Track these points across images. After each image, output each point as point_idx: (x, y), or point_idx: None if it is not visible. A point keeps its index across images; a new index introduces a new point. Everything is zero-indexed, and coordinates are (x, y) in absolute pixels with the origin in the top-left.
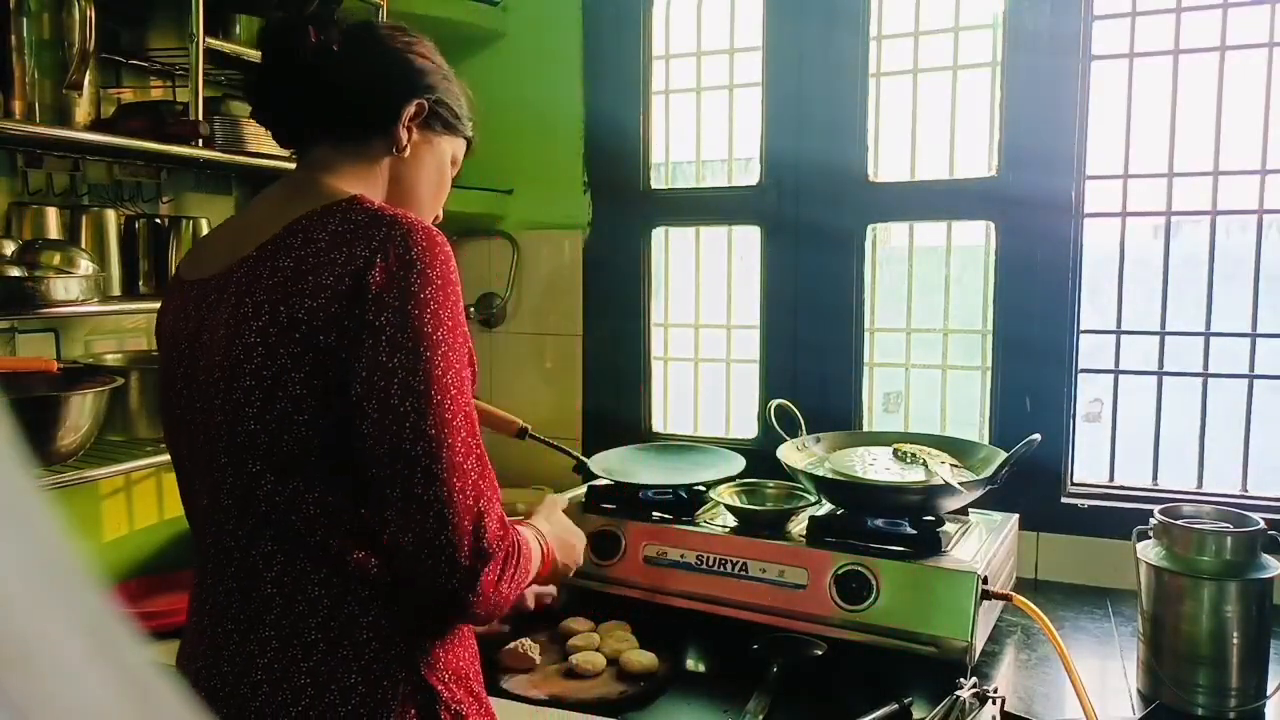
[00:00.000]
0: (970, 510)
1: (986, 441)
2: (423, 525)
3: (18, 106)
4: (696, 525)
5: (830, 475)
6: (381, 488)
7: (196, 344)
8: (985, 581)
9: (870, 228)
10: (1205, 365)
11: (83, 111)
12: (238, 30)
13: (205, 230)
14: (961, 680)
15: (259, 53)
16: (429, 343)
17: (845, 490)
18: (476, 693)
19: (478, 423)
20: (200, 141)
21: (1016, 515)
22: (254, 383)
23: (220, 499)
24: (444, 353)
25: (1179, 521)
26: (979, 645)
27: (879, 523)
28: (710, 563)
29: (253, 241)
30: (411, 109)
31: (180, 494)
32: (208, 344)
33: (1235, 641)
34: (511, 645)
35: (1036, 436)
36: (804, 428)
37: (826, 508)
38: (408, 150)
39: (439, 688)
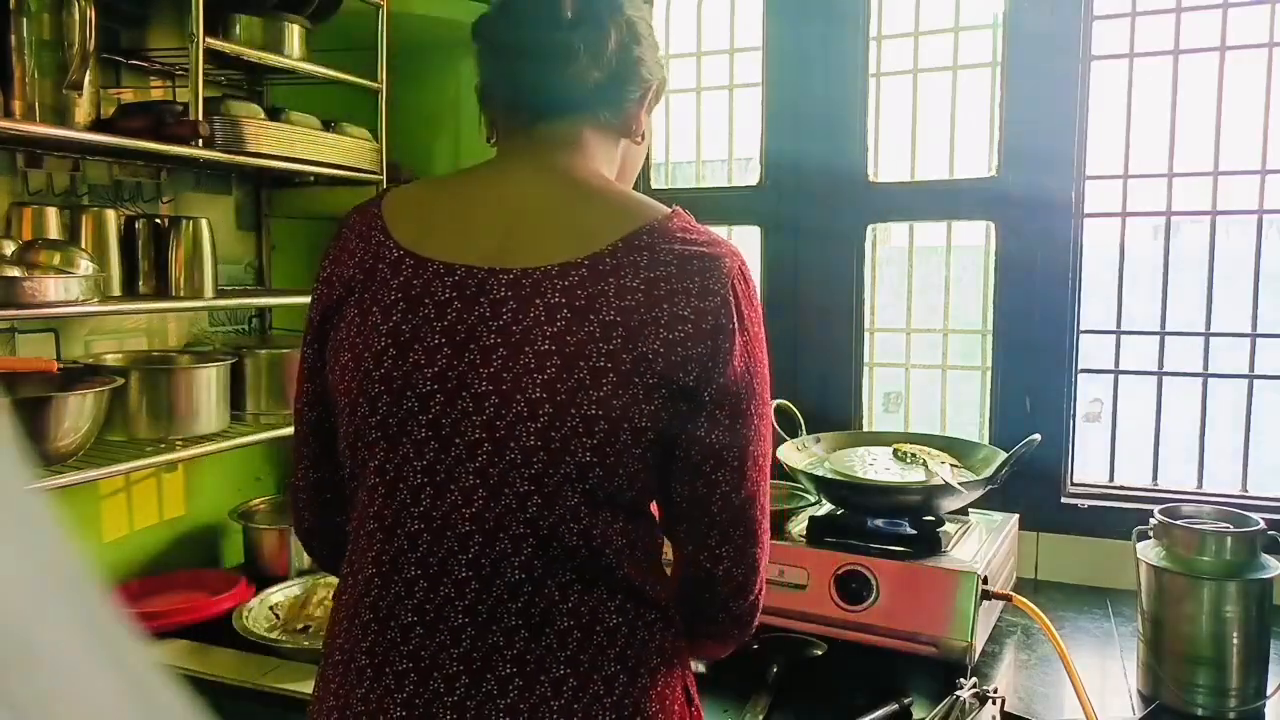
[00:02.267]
0: (970, 510)
1: (986, 441)
2: (752, 561)
3: (18, 106)
4: None
5: (830, 475)
6: (724, 527)
7: (472, 346)
8: (985, 581)
9: (870, 228)
10: (1205, 365)
11: (83, 111)
12: (238, 30)
13: (205, 230)
14: (961, 680)
15: (503, 9)
16: (765, 382)
17: (845, 490)
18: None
19: None
20: (200, 141)
21: (1016, 515)
22: (599, 411)
23: (510, 526)
24: (768, 389)
25: (1179, 522)
26: (979, 645)
27: (879, 523)
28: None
29: (546, 241)
30: (653, 91)
31: (363, 502)
32: (504, 354)
33: (1235, 642)
34: None
35: (1036, 436)
36: (804, 428)
37: (826, 508)
38: (643, 137)
39: (696, 699)
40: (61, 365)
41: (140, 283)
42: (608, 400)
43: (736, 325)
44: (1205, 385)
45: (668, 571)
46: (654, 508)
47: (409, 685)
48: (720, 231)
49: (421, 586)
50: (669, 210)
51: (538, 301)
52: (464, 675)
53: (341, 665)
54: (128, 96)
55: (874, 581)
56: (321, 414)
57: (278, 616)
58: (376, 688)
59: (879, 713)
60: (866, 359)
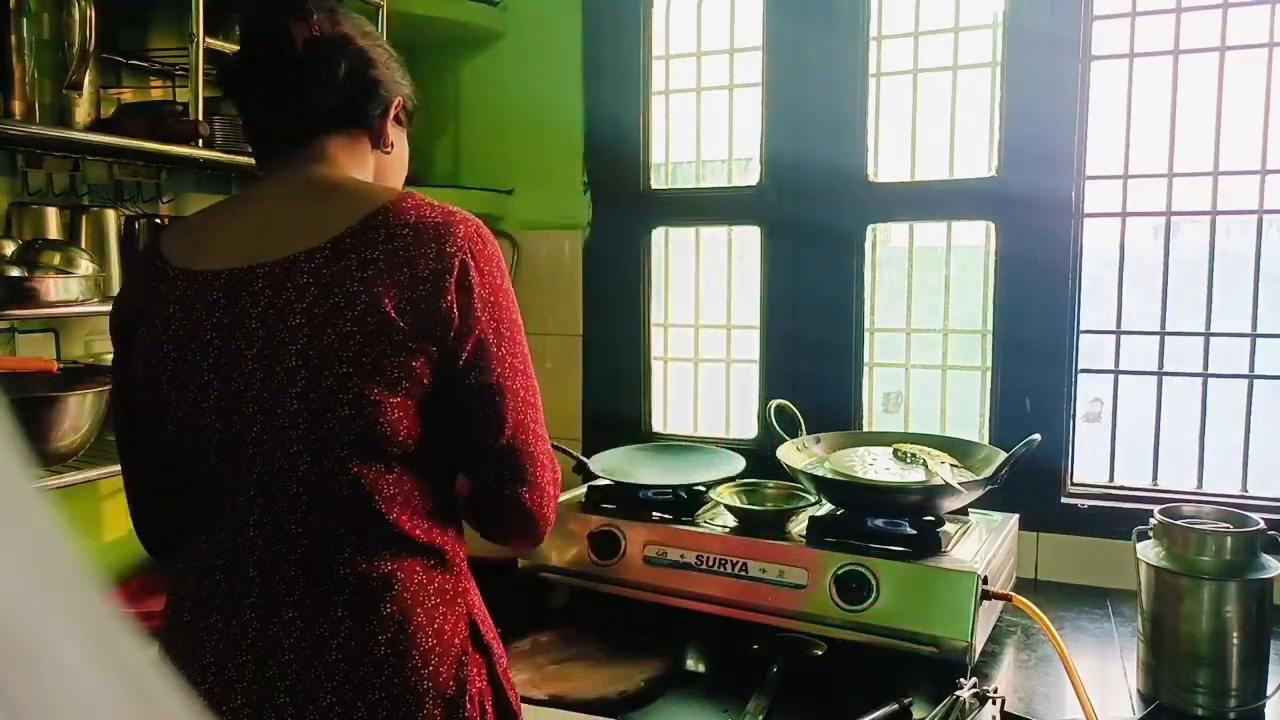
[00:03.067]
0: (970, 510)
1: (986, 441)
2: (539, 478)
3: (18, 106)
4: (696, 525)
5: (830, 475)
6: (501, 457)
7: (237, 333)
8: (985, 581)
9: (870, 228)
10: (1205, 365)
11: (83, 111)
12: (238, 30)
13: None
14: (961, 680)
15: (245, 41)
16: (516, 327)
17: (845, 490)
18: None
19: None
20: (200, 141)
21: (1016, 515)
22: (351, 370)
23: (287, 486)
24: (521, 332)
25: (1179, 522)
26: (979, 645)
27: (879, 523)
28: (710, 563)
29: (296, 236)
30: (395, 106)
31: (179, 490)
32: (264, 335)
33: (1235, 642)
34: None
35: (1036, 436)
36: (804, 428)
37: (826, 508)
38: (392, 147)
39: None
40: (61, 365)
41: None
42: (357, 359)
43: (477, 279)
44: (1205, 385)
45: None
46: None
47: (251, 633)
48: (720, 231)
49: (224, 548)
50: (403, 193)
51: (288, 285)
52: (255, 621)
53: (188, 625)
54: (128, 96)
55: (874, 581)
56: (136, 431)
57: None
58: (226, 634)
59: (879, 713)
60: (866, 359)
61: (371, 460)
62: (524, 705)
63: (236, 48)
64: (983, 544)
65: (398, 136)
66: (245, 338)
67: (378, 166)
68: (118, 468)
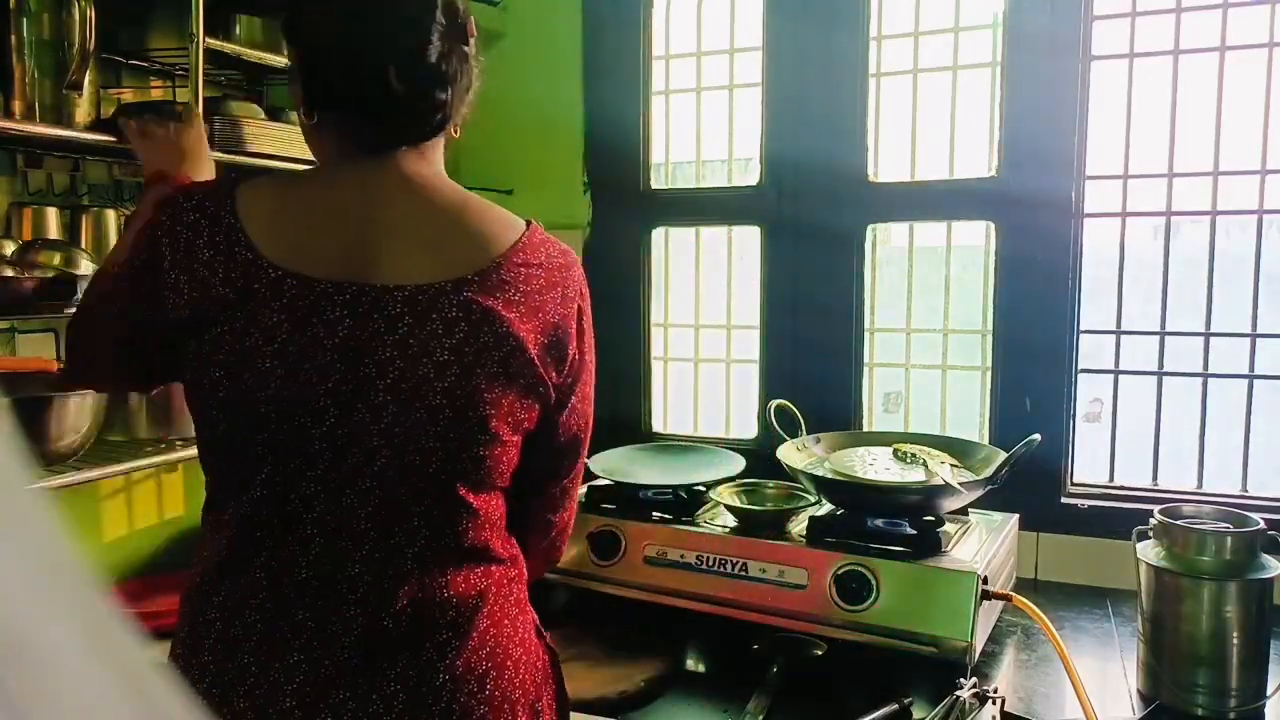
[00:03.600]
0: (970, 510)
1: (986, 441)
2: (573, 512)
3: (18, 106)
4: (696, 525)
5: (830, 475)
6: (553, 484)
7: (368, 360)
8: (985, 581)
9: (870, 228)
10: (1205, 365)
11: (83, 111)
12: (238, 30)
13: None
14: (961, 680)
15: (351, 45)
16: (594, 356)
17: (845, 490)
18: None
19: None
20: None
21: (1016, 515)
22: (492, 411)
23: (406, 521)
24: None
25: (1179, 522)
26: (979, 645)
27: (879, 523)
28: (710, 563)
29: (427, 259)
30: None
31: (256, 515)
32: (401, 366)
33: (1235, 642)
34: None
35: (1036, 436)
36: (804, 428)
37: (826, 508)
38: (459, 131)
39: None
40: (61, 365)
41: None
42: (499, 400)
43: (586, 324)
44: (1205, 385)
45: None
46: None
47: (299, 677)
48: (720, 231)
49: (313, 587)
50: (527, 223)
51: (434, 316)
52: (355, 660)
53: (216, 662)
54: (128, 96)
55: (874, 581)
56: (144, 341)
57: None
58: (263, 682)
59: (879, 713)
60: (866, 359)
61: (483, 492)
62: None
63: (237, 47)
64: (983, 544)
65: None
66: (378, 366)
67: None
68: (118, 467)
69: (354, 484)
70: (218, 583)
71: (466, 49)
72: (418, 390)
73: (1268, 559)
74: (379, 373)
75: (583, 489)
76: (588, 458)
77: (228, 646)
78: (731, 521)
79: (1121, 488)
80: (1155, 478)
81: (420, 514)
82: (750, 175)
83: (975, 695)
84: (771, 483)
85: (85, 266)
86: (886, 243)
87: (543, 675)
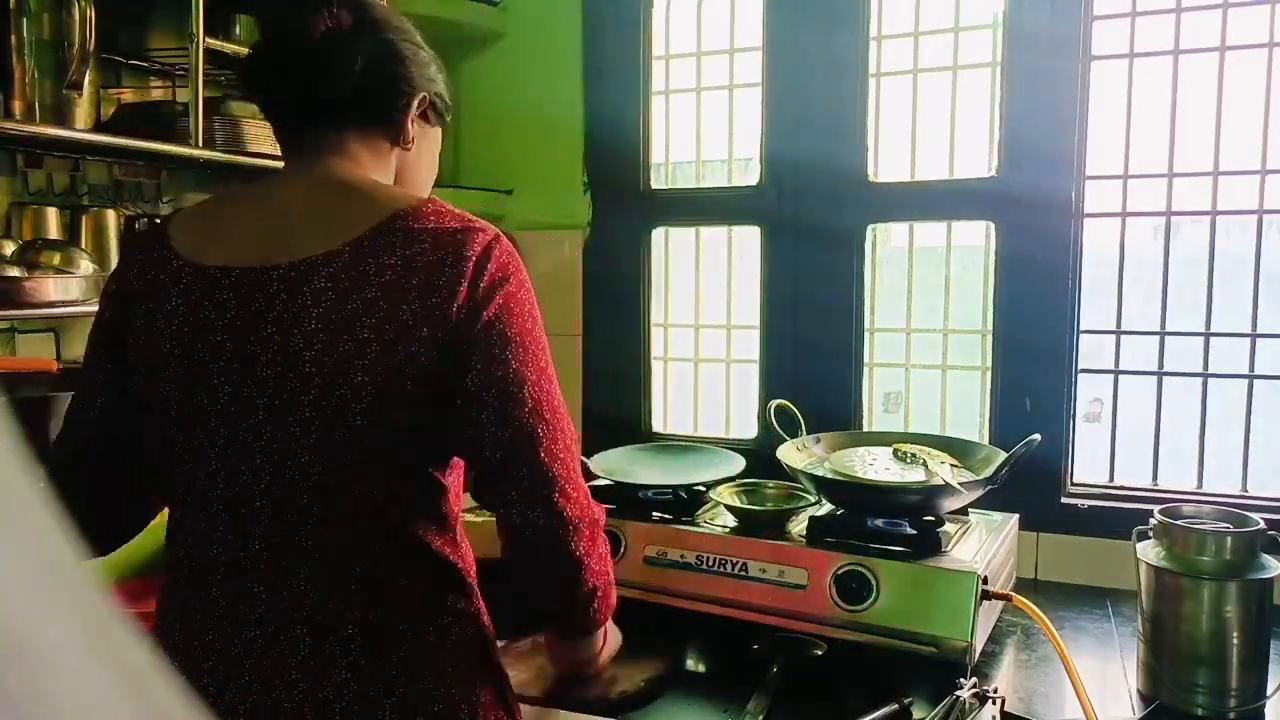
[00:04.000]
0: (970, 510)
1: (986, 441)
2: (549, 504)
3: (18, 106)
4: (696, 525)
5: (830, 475)
6: (502, 468)
7: (251, 338)
8: (985, 581)
9: (870, 228)
10: (1205, 365)
11: (83, 112)
12: (238, 30)
13: None
14: (961, 680)
15: (263, 34)
16: (533, 340)
17: (845, 490)
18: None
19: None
20: (200, 141)
21: (1016, 515)
22: (366, 378)
23: (296, 497)
24: (543, 348)
25: (1179, 522)
26: (979, 645)
27: (879, 523)
28: (710, 563)
29: (314, 236)
30: (417, 101)
31: (177, 493)
32: (279, 340)
33: (1235, 642)
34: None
35: (1036, 436)
36: (804, 428)
37: (826, 508)
38: (413, 143)
39: (506, 682)
40: (61, 365)
41: None
42: (373, 367)
43: (495, 287)
44: (1205, 385)
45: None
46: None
47: (215, 662)
48: (720, 231)
49: (223, 561)
50: (423, 199)
51: (305, 289)
52: (260, 640)
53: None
54: (128, 96)
55: (874, 581)
56: (117, 420)
57: None
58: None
59: (879, 713)
60: (866, 359)
61: (386, 470)
62: (524, 705)
63: (237, 47)
64: (983, 544)
65: (422, 134)
66: (260, 342)
67: (400, 165)
68: None
69: (249, 460)
70: (170, 563)
71: (377, 41)
72: (290, 361)
73: (1268, 559)
74: (261, 348)
75: None
76: (584, 457)
77: (190, 621)
78: (731, 521)
79: (1121, 488)
80: (1155, 478)
81: (309, 490)
82: (750, 175)
83: (975, 695)
84: (771, 483)
85: (85, 266)
86: (886, 243)
87: (475, 694)
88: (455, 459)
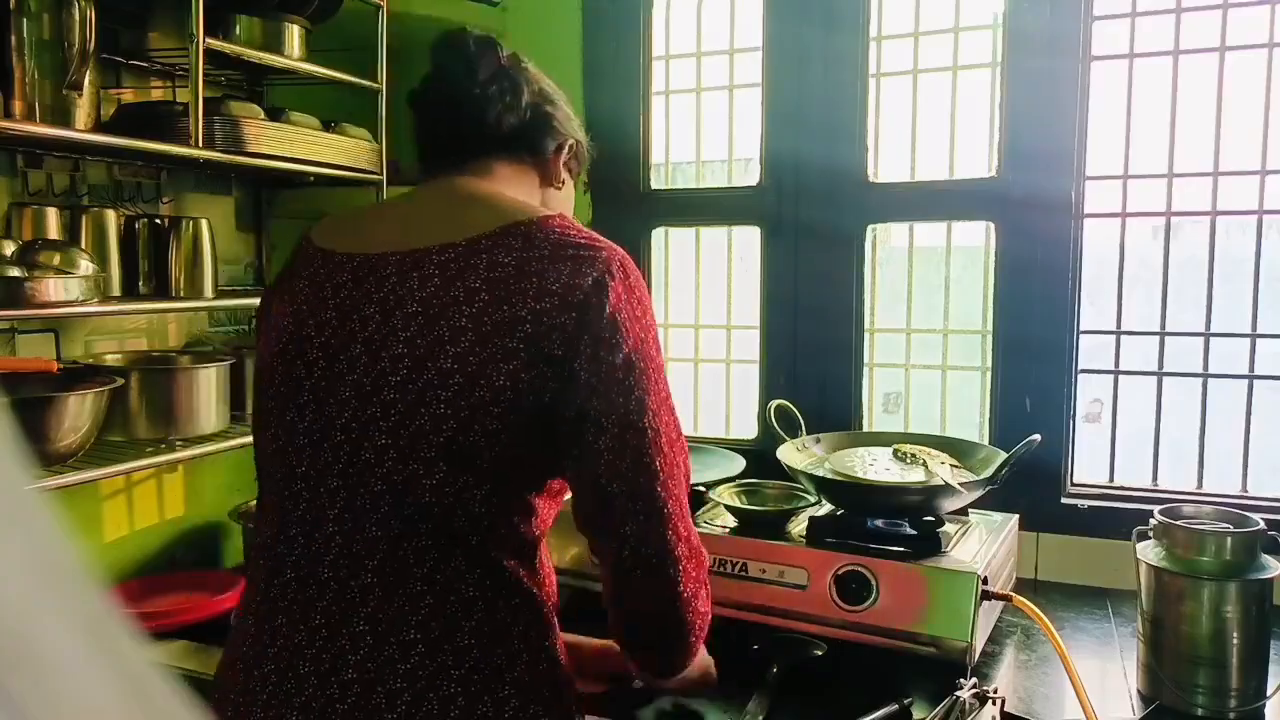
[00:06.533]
0: (970, 510)
1: (986, 442)
2: (661, 540)
3: (18, 107)
4: (696, 525)
5: (830, 476)
6: (617, 499)
7: (354, 316)
8: (985, 582)
9: (870, 228)
10: (1205, 365)
11: (83, 112)
12: (238, 30)
13: (206, 230)
14: (961, 680)
15: (437, 66)
16: (655, 366)
17: (845, 491)
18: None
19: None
20: (200, 141)
21: (1016, 515)
22: (455, 365)
23: (370, 484)
24: (663, 375)
25: (1179, 522)
26: (979, 645)
27: (879, 523)
28: (710, 563)
29: (437, 232)
30: (568, 148)
31: (269, 473)
32: (379, 319)
33: (1235, 642)
34: None
35: (1036, 437)
36: (804, 428)
37: (826, 508)
38: (562, 185)
39: (574, 707)
40: (61, 365)
41: (140, 283)
42: (464, 356)
43: (611, 305)
44: (1205, 385)
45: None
46: (546, 511)
47: (280, 640)
48: (720, 231)
49: (300, 544)
50: (553, 211)
51: (414, 274)
52: (324, 629)
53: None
54: (128, 96)
55: (874, 581)
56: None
57: None
58: (259, 645)
59: (879, 713)
60: (866, 359)
61: (462, 469)
62: None
63: (237, 48)
64: (983, 544)
65: (566, 179)
66: (360, 321)
67: (544, 202)
68: (118, 468)
69: (329, 438)
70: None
71: (506, 86)
72: (385, 341)
73: (1268, 559)
74: (360, 327)
75: None
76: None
77: (265, 610)
78: (731, 521)
79: (1121, 488)
80: (1155, 478)
81: (383, 478)
82: (750, 175)
83: (975, 695)
84: (771, 483)
85: (85, 266)
86: (886, 243)
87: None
88: (551, 481)
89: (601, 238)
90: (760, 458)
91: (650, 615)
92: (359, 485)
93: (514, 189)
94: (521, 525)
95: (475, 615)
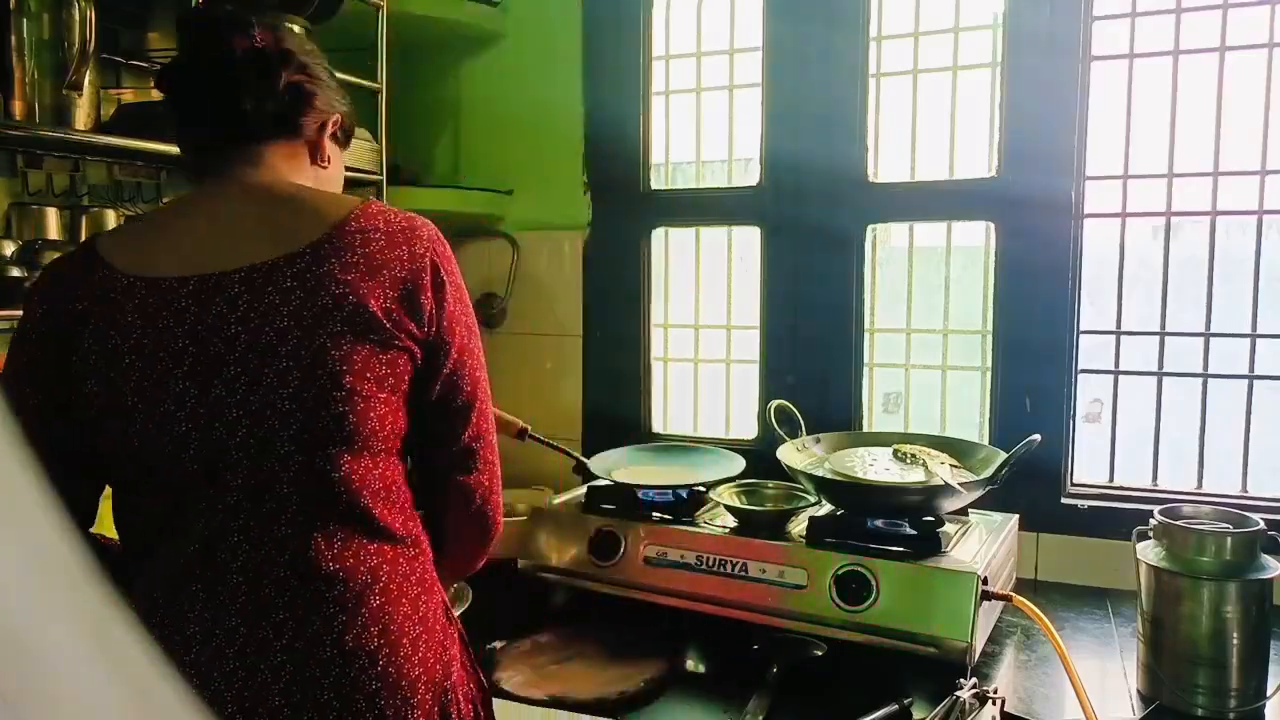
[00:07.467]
0: (970, 510)
1: (986, 442)
2: (491, 475)
3: (18, 107)
4: (696, 526)
5: (830, 476)
6: (452, 444)
7: (216, 339)
8: (985, 582)
9: (870, 228)
10: (1205, 365)
11: (83, 112)
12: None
13: None
14: (961, 681)
15: (185, 49)
16: (474, 319)
17: (845, 491)
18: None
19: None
20: None
21: (1016, 516)
22: (344, 368)
23: (277, 489)
24: (477, 327)
25: (1179, 522)
26: (979, 646)
27: (879, 523)
28: (710, 563)
29: (262, 242)
30: (332, 123)
31: (132, 496)
32: (247, 337)
33: (1235, 642)
34: None
35: (1036, 437)
36: (804, 428)
37: (826, 508)
38: (329, 162)
39: (455, 618)
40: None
41: None
42: (349, 357)
43: (446, 277)
44: (1205, 385)
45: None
46: None
47: (195, 648)
48: (720, 232)
49: (198, 558)
50: (364, 199)
51: (270, 289)
52: (242, 627)
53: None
54: (128, 96)
55: (874, 582)
56: (64, 439)
57: None
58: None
59: (879, 713)
60: (866, 359)
61: (360, 457)
62: (524, 706)
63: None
64: (983, 544)
65: (334, 153)
66: (225, 343)
67: (315, 180)
68: None
69: (224, 457)
70: (140, 568)
71: (296, 63)
72: (264, 357)
73: (1268, 559)
74: (227, 348)
75: (582, 489)
76: (585, 457)
77: (170, 621)
78: (731, 522)
79: (1121, 488)
80: (1155, 478)
81: (289, 480)
82: (750, 175)
83: (975, 696)
84: (771, 483)
85: None
86: (886, 243)
87: (449, 656)
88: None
89: (413, 214)
90: (760, 458)
91: (483, 534)
92: (263, 492)
93: (290, 174)
94: (406, 490)
95: (381, 575)
